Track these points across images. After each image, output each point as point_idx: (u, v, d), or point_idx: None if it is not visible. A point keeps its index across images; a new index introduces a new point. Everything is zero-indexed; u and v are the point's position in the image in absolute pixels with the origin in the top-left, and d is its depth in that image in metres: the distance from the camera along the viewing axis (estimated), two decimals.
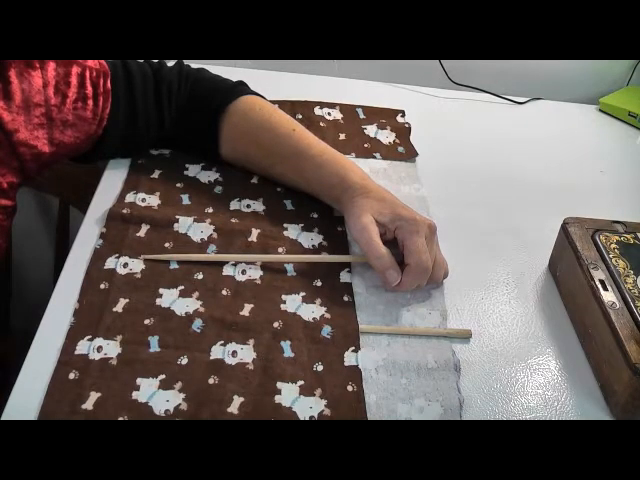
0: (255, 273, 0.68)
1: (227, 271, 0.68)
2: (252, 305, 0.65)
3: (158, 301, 0.64)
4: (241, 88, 0.80)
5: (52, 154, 0.68)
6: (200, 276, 0.67)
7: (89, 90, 0.69)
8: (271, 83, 0.86)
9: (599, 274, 0.66)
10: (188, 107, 0.78)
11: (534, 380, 0.63)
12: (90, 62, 0.70)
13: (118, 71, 0.74)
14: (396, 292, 0.68)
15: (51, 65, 0.65)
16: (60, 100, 0.66)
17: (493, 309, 0.70)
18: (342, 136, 0.90)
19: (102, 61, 0.72)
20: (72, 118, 0.68)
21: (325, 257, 0.71)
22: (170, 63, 0.80)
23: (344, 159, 0.75)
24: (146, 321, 0.62)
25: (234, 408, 0.56)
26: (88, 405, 0.54)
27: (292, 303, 0.66)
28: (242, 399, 0.56)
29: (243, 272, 0.68)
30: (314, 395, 0.58)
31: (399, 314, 0.67)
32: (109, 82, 0.72)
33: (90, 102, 0.70)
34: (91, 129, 0.71)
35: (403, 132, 0.94)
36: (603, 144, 1.02)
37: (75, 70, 0.68)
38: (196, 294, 0.65)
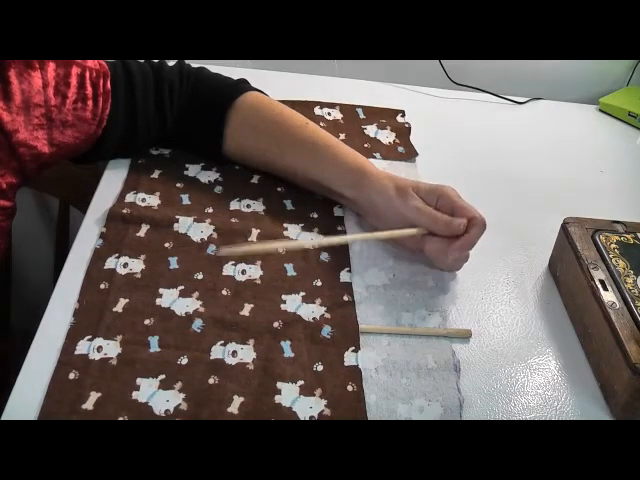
0: (255, 273, 0.68)
1: (227, 271, 0.68)
2: (252, 305, 0.65)
3: (158, 301, 0.64)
4: (244, 85, 0.80)
5: (52, 154, 0.68)
6: (200, 276, 0.67)
7: (89, 91, 0.69)
8: (271, 83, 0.85)
9: (599, 274, 0.66)
10: (191, 105, 0.78)
11: (534, 380, 0.63)
12: (90, 63, 0.70)
13: (118, 72, 0.74)
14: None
15: (51, 66, 0.65)
16: (60, 101, 0.66)
17: (493, 309, 0.70)
18: (342, 136, 0.90)
19: (102, 62, 0.72)
20: (72, 119, 0.68)
21: (394, 232, 0.70)
22: (170, 63, 0.80)
23: (357, 152, 0.76)
24: (146, 321, 0.62)
25: (234, 408, 0.56)
26: (88, 405, 0.54)
27: (292, 303, 0.66)
28: (242, 399, 0.56)
29: (243, 272, 0.68)
30: (314, 395, 0.58)
31: (399, 314, 0.67)
32: (109, 83, 0.72)
33: (90, 103, 0.70)
34: (91, 130, 0.71)
35: (403, 132, 0.94)
36: (603, 144, 1.02)
37: (75, 71, 0.68)
38: (196, 294, 0.65)
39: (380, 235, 0.71)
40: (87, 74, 0.69)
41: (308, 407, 0.57)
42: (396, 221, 0.70)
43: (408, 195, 0.70)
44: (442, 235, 0.68)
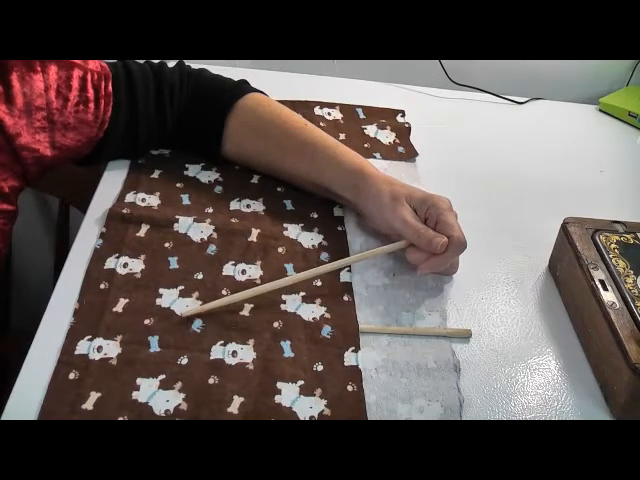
0: (255, 273, 0.68)
1: (227, 271, 0.68)
2: (252, 305, 0.64)
3: (158, 301, 0.64)
4: (245, 86, 0.81)
5: (54, 157, 0.68)
6: (200, 276, 0.67)
7: (90, 93, 0.69)
8: (271, 83, 0.85)
9: (599, 274, 0.66)
10: (191, 107, 0.78)
11: (534, 380, 0.63)
12: (91, 65, 0.70)
13: (119, 74, 0.74)
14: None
15: (53, 69, 0.65)
16: (62, 103, 0.66)
17: (493, 309, 0.70)
18: (342, 136, 0.90)
19: (103, 64, 0.72)
20: (73, 121, 0.68)
21: (369, 252, 0.69)
22: (170, 63, 0.80)
23: (356, 153, 0.76)
24: (146, 321, 0.62)
25: (234, 408, 0.56)
26: (88, 405, 0.54)
27: (292, 303, 0.66)
28: (242, 399, 0.56)
29: (243, 272, 0.68)
30: (314, 395, 0.58)
31: (399, 314, 0.67)
32: (110, 85, 0.72)
33: (91, 105, 0.70)
34: (92, 132, 0.71)
35: (403, 132, 0.94)
36: (603, 144, 1.02)
37: (77, 73, 0.68)
38: (196, 294, 0.65)
39: (365, 254, 0.69)
40: (89, 77, 0.69)
41: (308, 407, 0.57)
42: (387, 228, 0.71)
43: (398, 204, 0.69)
44: (423, 250, 0.67)
